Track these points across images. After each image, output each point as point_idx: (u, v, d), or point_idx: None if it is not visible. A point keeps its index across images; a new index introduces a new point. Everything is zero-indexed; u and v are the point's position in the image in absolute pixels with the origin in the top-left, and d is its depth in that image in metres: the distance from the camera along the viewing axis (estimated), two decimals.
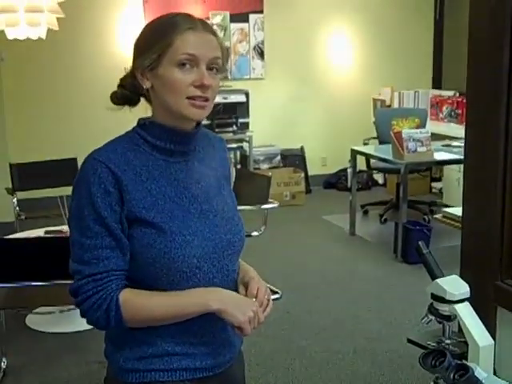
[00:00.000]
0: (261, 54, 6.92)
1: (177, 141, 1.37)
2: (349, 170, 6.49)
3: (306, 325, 3.84)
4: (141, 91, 1.38)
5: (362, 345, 3.56)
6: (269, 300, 1.41)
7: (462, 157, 1.82)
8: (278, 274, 4.44)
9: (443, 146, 5.50)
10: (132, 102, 1.42)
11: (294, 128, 7.14)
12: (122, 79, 1.41)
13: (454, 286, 1.47)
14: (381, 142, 6.02)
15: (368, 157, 5.74)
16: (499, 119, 1.64)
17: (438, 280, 1.48)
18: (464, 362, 1.40)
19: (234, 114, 6.26)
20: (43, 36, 4.22)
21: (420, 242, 1.56)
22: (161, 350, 1.36)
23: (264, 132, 6.85)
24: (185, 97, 1.30)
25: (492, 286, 1.72)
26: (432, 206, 6.05)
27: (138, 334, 1.35)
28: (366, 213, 6.22)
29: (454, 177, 6.01)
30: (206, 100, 1.32)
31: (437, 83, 7.54)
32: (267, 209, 4.32)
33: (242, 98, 6.29)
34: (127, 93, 1.40)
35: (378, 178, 7.35)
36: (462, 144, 1.81)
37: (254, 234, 4.33)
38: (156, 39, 1.31)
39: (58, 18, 4.20)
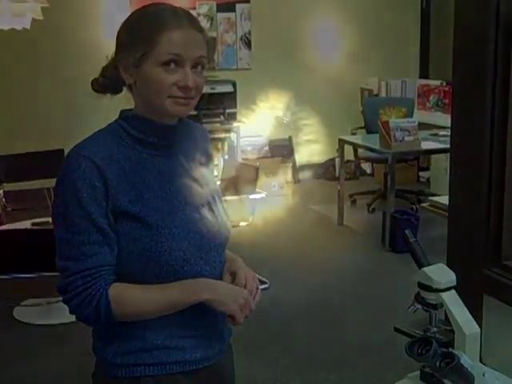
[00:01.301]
0: (248, 44, 6.89)
1: (160, 134, 1.36)
2: (336, 160, 6.49)
3: (294, 314, 3.85)
4: (123, 83, 1.37)
5: (350, 333, 3.57)
6: (257, 288, 1.41)
7: (449, 146, 1.82)
8: (265, 265, 4.44)
9: (430, 135, 5.51)
10: (114, 91, 1.41)
11: (282, 118, 7.12)
12: (103, 68, 1.39)
13: (441, 274, 1.47)
14: (368, 132, 6.03)
15: (356, 146, 5.75)
16: (485, 108, 1.65)
17: (425, 268, 1.48)
18: (450, 350, 1.41)
19: (221, 104, 6.22)
20: (28, 26, 4.19)
21: (407, 231, 1.56)
22: (150, 343, 1.35)
23: (252, 122, 6.83)
24: (168, 96, 1.30)
25: (478, 274, 1.73)
26: (420, 195, 6.05)
27: (126, 329, 1.34)
28: (353, 202, 6.23)
29: (442, 166, 6.03)
30: (190, 98, 1.32)
31: (424, 73, 7.55)
32: (255, 199, 4.33)
33: (229, 89, 6.25)
34: (108, 82, 1.39)
35: (366, 167, 7.36)
36: (449, 133, 1.81)
37: (242, 223, 4.33)
38: (141, 37, 1.29)
39: (42, 7, 4.17)
